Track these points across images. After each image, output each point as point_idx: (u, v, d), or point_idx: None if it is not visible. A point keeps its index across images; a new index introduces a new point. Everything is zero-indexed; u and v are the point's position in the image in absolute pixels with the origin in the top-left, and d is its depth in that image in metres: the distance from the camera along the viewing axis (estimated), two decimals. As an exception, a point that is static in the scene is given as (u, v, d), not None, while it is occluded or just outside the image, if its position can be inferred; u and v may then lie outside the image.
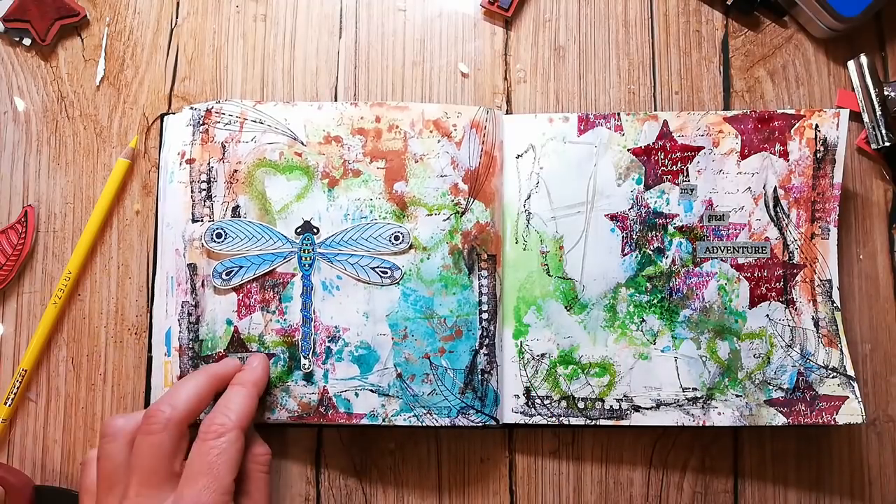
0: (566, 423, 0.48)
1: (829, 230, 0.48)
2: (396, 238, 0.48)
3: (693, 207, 0.49)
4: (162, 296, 0.49)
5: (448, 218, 0.48)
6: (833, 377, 0.47)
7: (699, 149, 0.49)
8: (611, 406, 0.48)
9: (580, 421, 0.48)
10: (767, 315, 0.48)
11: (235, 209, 0.49)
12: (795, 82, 0.52)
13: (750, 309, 0.48)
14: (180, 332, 0.48)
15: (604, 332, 0.49)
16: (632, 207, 0.49)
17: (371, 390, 0.47)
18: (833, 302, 0.48)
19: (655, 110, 0.52)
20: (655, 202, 0.49)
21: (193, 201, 0.49)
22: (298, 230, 0.48)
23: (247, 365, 0.47)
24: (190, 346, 0.48)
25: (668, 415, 0.48)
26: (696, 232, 0.49)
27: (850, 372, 0.47)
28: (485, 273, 0.48)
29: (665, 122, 0.49)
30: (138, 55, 0.53)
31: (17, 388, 0.50)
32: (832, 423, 0.47)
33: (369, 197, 0.49)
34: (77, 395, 0.50)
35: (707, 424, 0.47)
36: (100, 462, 0.42)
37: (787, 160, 0.49)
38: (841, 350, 0.48)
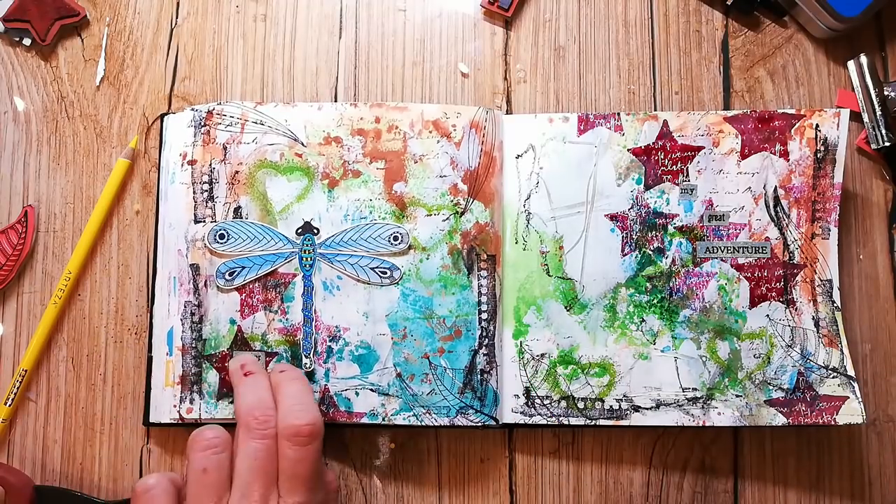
0: (566, 423, 0.48)
1: (829, 230, 0.48)
2: (396, 238, 0.48)
3: (693, 207, 0.49)
4: (164, 296, 0.49)
5: (447, 218, 0.48)
6: (833, 377, 0.47)
7: (699, 149, 0.49)
8: (611, 406, 0.48)
9: (580, 421, 0.48)
10: (767, 315, 0.48)
11: (237, 210, 0.49)
12: (795, 82, 0.52)
13: (750, 309, 0.48)
14: (183, 331, 0.48)
15: (604, 332, 0.49)
16: (632, 207, 0.49)
17: (371, 389, 0.47)
18: (833, 302, 0.48)
19: (655, 110, 0.52)
20: (655, 202, 0.49)
21: (195, 202, 0.49)
22: (299, 231, 0.49)
23: (279, 367, 0.46)
24: (193, 345, 0.48)
25: (668, 415, 0.48)
26: (696, 232, 0.49)
27: (851, 372, 0.47)
28: (484, 273, 0.48)
29: (665, 122, 0.49)
30: (138, 55, 0.53)
31: (17, 388, 0.50)
32: (832, 423, 0.47)
33: (369, 197, 0.49)
34: (77, 395, 0.50)
35: (707, 424, 0.47)
36: (204, 474, 0.41)
37: (788, 160, 0.49)
38: (841, 350, 0.48)
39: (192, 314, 0.48)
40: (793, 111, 0.49)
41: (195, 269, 0.48)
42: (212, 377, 0.48)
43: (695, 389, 0.48)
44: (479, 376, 0.47)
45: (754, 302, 0.48)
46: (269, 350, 0.48)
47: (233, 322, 0.48)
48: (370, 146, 0.49)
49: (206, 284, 0.48)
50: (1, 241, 0.51)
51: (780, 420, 0.47)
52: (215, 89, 0.53)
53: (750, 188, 0.49)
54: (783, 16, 0.53)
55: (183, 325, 0.48)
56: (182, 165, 0.49)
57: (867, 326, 0.50)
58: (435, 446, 0.50)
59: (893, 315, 0.50)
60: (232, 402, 0.47)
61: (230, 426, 0.44)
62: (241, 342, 0.48)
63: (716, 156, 0.49)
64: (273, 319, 0.48)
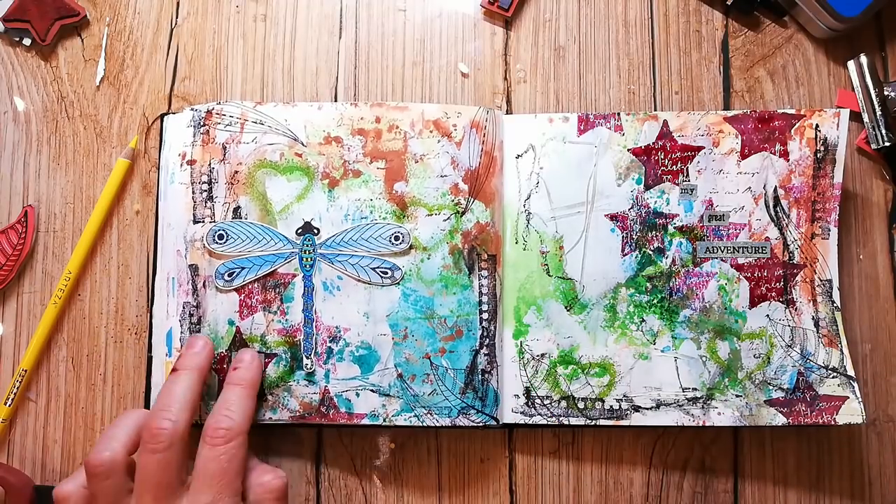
0: (566, 423, 0.48)
1: (829, 230, 0.48)
2: (397, 238, 0.48)
3: (693, 207, 0.49)
4: (162, 296, 0.49)
5: (448, 218, 0.48)
6: (833, 377, 0.47)
7: (699, 149, 0.49)
8: (611, 406, 0.48)
9: (580, 421, 0.48)
10: (767, 315, 0.48)
11: (237, 210, 0.49)
12: (795, 82, 0.52)
13: (750, 309, 0.48)
14: (182, 332, 0.48)
15: (604, 332, 0.49)
16: (632, 207, 0.49)
17: (372, 390, 0.47)
18: (833, 302, 0.48)
19: (655, 110, 0.52)
20: (655, 202, 0.49)
21: (195, 202, 0.49)
22: (299, 231, 0.49)
23: (238, 361, 0.46)
24: (190, 346, 0.48)
25: (668, 415, 0.48)
26: (696, 232, 0.49)
27: (850, 372, 0.47)
28: (485, 273, 0.48)
29: (665, 122, 0.49)
30: (138, 55, 0.53)
31: (17, 388, 0.50)
32: (832, 423, 0.47)
33: (369, 197, 0.49)
34: (77, 395, 0.50)
35: (707, 424, 0.47)
36: (94, 499, 0.41)
37: (788, 160, 0.49)
38: (841, 350, 0.48)
39: (191, 315, 0.48)
40: (793, 111, 0.49)
41: (194, 269, 0.48)
42: (210, 379, 0.48)
43: (695, 389, 0.48)
44: (479, 376, 0.47)
45: (754, 302, 0.48)
46: (269, 351, 0.48)
47: (231, 323, 0.48)
48: (370, 146, 0.49)
49: (204, 285, 0.48)
50: (1, 241, 0.51)
51: (780, 420, 0.47)
52: (215, 89, 0.53)
53: (750, 188, 0.49)
54: (783, 16, 0.53)
55: (181, 326, 0.48)
56: (181, 165, 0.49)
57: (867, 326, 0.50)
58: (435, 446, 0.50)
59: (893, 315, 0.50)
60: None
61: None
62: (239, 343, 0.48)
63: (716, 156, 0.49)
64: (272, 320, 0.48)
